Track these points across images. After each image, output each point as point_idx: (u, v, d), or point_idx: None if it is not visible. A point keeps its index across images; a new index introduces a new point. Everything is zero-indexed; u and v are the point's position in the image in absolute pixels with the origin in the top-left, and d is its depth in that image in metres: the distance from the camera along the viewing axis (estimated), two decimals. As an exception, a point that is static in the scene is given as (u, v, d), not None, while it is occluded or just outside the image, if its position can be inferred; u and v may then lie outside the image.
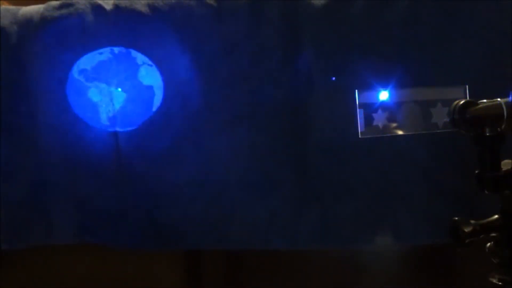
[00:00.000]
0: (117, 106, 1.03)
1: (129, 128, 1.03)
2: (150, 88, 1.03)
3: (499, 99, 0.61)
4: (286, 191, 1.01)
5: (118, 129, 1.03)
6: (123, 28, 1.02)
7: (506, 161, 0.64)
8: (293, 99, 1.00)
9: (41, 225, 1.06)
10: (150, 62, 1.02)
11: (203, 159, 1.02)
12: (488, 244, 0.66)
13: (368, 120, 0.78)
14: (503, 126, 0.61)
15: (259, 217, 1.02)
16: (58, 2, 1.06)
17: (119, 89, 1.03)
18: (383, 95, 0.78)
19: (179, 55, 1.02)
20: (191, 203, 1.03)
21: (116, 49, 1.03)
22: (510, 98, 0.58)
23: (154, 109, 1.03)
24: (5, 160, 1.04)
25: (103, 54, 1.03)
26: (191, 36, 1.01)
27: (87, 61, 1.03)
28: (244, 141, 1.01)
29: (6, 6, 1.11)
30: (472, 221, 0.63)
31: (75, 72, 1.03)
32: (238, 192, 1.02)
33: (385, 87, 0.78)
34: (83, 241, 1.07)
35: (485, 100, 0.63)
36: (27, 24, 1.04)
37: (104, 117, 1.04)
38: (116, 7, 1.03)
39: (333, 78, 0.96)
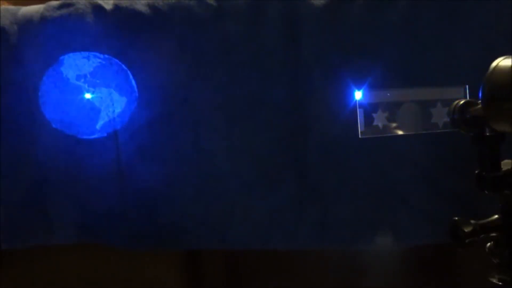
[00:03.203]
0: (118, 110, 1.03)
1: (127, 133, 1.03)
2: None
3: (499, 99, 0.61)
4: (286, 191, 1.01)
5: (117, 133, 1.03)
6: (123, 28, 1.02)
7: (506, 161, 0.64)
8: (293, 99, 1.00)
9: (41, 225, 1.06)
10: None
11: (203, 159, 1.02)
12: (488, 244, 0.66)
13: (368, 120, 0.78)
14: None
15: (259, 217, 1.02)
16: (58, 2, 1.06)
17: (117, 94, 1.03)
18: (358, 95, 0.78)
19: (178, 55, 1.02)
20: (191, 203, 1.03)
21: (108, 56, 1.03)
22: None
23: (152, 111, 1.03)
24: (5, 160, 1.04)
25: (98, 59, 1.03)
26: (191, 36, 1.01)
27: (83, 67, 1.03)
28: (244, 141, 1.01)
29: (6, 6, 1.11)
30: (472, 221, 0.63)
31: (71, 76, 1.03)
32: (238, 192, 1.02)
33: (385, 87, 0.79)
34: (83, 241, 1.07)
35: (485, 100, 0.63)
36: (27, 24, 1.04)
37: (102, 122, 1.04)
38: (116, 7, 1.03)
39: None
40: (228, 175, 1.02)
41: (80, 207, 1.05)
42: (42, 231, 1.06)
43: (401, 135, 0.85)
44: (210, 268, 1.24)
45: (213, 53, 1.01)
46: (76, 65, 1.03)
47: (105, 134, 1.04)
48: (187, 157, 1.02)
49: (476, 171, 0.64)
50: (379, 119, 0.80)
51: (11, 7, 1.10)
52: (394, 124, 0.81)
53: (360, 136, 0.81)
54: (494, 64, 0.57)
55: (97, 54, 1.03)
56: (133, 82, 1.03)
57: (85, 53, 1.03)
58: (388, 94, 0.79)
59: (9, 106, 1.04)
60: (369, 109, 0.79)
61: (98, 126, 1.04)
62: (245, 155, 1.01)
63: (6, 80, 1.04)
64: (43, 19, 1.04)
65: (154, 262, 1.19)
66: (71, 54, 1.03)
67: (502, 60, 0.57)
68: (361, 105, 0.79)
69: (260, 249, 1.06)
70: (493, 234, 0.64)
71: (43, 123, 1.04)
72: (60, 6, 1.05)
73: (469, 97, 0.71)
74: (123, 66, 1.03)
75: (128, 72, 1.03)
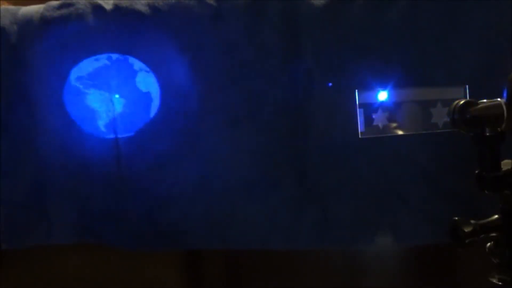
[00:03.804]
0: (117, 112, 1.03)
1: (127, 134, 1.03)
2: (147, 94, 1.03)
3: (499, 99, 0.61)
4: (286, 191, 1.01)
5: (117, 134, 1.03)
6: (123, 28, 1.02)
7: (506, 161, 0.64)
8: (293, 99, 1.00)
9: (41, 225, 1.06)
10: (147, 68, 1.02)
11: (203, 160, 1.02)
12: (488, 244, 0.66)
13: (368, 120, 0.78)
14: (503, 126, 0.61)
15: (259, 217, 1.02)
16: (58, 2, 1.06)
17: (117, 95, 1.03)
18: (382, 95, 0.78)
19: (178, 56, 1.02)
20: (191, 203, 1.03)
21: (114, 56, 1.03)
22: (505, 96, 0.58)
23: (152, 113, 1.03)
24: (5, 160, 1.04)
25: (100, 61, 1.03)
26: (191, 36, 1.01)
27: (84, 68, 1.03)
28: (244, 141, 1.01)
29: (6, 6, 1.11)
30: (472, 221, 0.63)
31: (72, 78, 1.03)
32: (238, 192, 1.02)
33: (385, 87, 0.78)
34: (83, 241, 1.07)
35: (485, 100, 0.63)
36: (27, 24, 1.04)
37: (103, 123, 1.04)
38: (116, 7, 1.03)
39: (330, 84, 0.96)
40: (228, 175, 1.02)
41: (80, 207, 1.05)
42: (42, 231, 1.06)
43: (401, 135, 0.84)
44: (210, 268, 1.24)
45: (213, 53, 1.01)
46: (78, 67, 1.04)
47: (106, 135, 1.04)
48: (187, 157, 1.02)
49: (476, 171, 0.64)
50: (379, 119, 0.79)
51: (11, 7, 1.10)
52: (394, 124, 0.81)
53: (360, 136, 0.81)
54: None
55: (98, 55, 1.03)
56: (135, 83, 1.03)
57: (87, 55, 1.03)
58: (388, 94, 0.79)
59: (9, 106, 1.04)
60: (369, 109, 0.79)
61: (99, 127, 1.04)
62: (245, 155, 1.01)
63: (6, 79, 1.04)
64: (43, 19, 1.04)
65: (154, 262, 1.19)
66: (73, 56, 1.03)
67: None
68: (361, 105, 0.79)
69: (260, 249, 1.06)
70: (493, 234, 0.64)
71: (43, 124, 1.05)
72: (60, 6, 1.04)
73: (469, 97, 0.71)
74: (125, 67, 1.03)
75: (130, 73, 1.03)
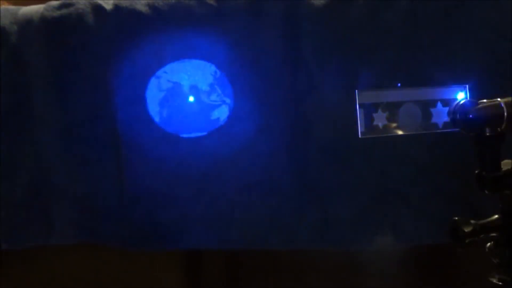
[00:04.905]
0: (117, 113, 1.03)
1: (128, 134, 1.03)
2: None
3: (499, 99, 0.61)
4: (286, 191, 1.01)
5: (118, 132, 1.03)
6: (123, 28, 1.02)
7: (506, 161, 0.64)
8: (293, 99, 1.00)
9: (41, 225, 1.06)
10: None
11: (203, 159, 1.02)
12: (488, 244, 0.66)
13: (368, 120, 0.78)
14: (503, 126, 0.61)
15: (259, 217, 1.02)
16: (58, 2, 1.06)
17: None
18: (460, 95, 0.77)
19: (178, 56, 1.02)
20: (191, 203, 1.03)
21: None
22: None
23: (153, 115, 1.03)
24: (5, 160, 1.04)
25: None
26: (191, 36, 1.01)
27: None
28: (244, 141, 1.01)
29: (6, 6, 1.11)
30: (472, 221, 0.63)
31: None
32: (238, 192, 1.02)
33: (385, 87, 0.78)
34: (83, 241, 1.07)
35: (485, 100, 0.63)
36: (27, 24, 1.04)
37: (103, 123, 1.04)
38: (116, 7, 1.03)
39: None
40: (228, 175, 1.02)
41: (80, 207, 1.05)
42: (42, 231, 1.06)
43: (401, 135, 0.85)
44: (210, 268, 1.24)
45: (212, 53, 1.01)
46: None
47: (106, 135, 1.04)
48: (186, 156, 1.02)
49: (476, 171, 0.64)
50: (379, 119, 0.79)
51: (11, 7, 1.10)
52: (394, 124, 0.81)
53: (360, 136, 0.81)
54: None
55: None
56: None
57: (87, 55, 1.03)
58: (388, 94, 0.79)
59: (9, 106, 1.04)
60: (369, 109, 0.79)
61: (99, 127, 1.04)
62: (245, 155, 1.01)
63: (6, 79, 1.04)
64: (43, 19, 1.04)
65: (154, 262, 1.19)
66: (73, 56, 1.04)
67: None
68: (361, 105, 0.79)
69: (260, 249, 1.06)
70: (493, 234, 0.64)
71: (44, 124, 1.04)
72: (60, 6, 1.04)
73: (469, 97, 0.71)
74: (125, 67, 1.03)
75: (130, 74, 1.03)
